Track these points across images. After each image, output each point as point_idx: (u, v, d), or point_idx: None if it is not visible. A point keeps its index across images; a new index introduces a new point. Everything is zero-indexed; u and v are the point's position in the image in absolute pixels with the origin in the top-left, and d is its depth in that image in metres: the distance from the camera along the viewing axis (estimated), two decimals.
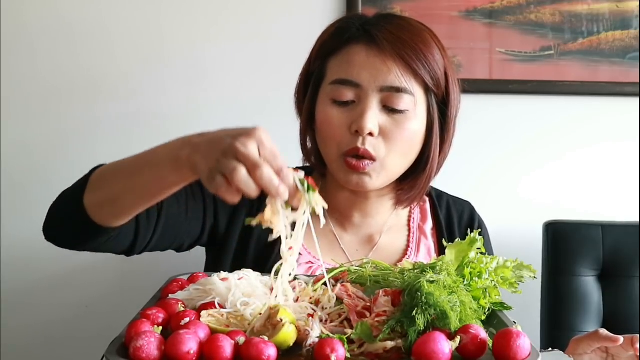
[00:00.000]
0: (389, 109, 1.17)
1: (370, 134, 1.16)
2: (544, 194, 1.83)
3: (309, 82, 1.25)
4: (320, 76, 1.23)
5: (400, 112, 1.17)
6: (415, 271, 0.92)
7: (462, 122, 1.80)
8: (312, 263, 1.23)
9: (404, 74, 1.16)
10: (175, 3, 1.79)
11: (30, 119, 1.79)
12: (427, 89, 1.19)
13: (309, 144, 1.28)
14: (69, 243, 1.08)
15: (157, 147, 0.95)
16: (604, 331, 1.13)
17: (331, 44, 1.21)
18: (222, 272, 0.99)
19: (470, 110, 1.80)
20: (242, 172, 0.81)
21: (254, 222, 0.87)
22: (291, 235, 0.90)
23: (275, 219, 0.87)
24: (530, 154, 1.83)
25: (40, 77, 1.79)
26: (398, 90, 1.16)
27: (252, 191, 0.82)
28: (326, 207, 0.90)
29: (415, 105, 1.17)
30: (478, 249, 0.96)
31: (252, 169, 0.81)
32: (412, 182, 1.25)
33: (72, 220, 1.03)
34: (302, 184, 0.87)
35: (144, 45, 1.79)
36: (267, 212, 0.87)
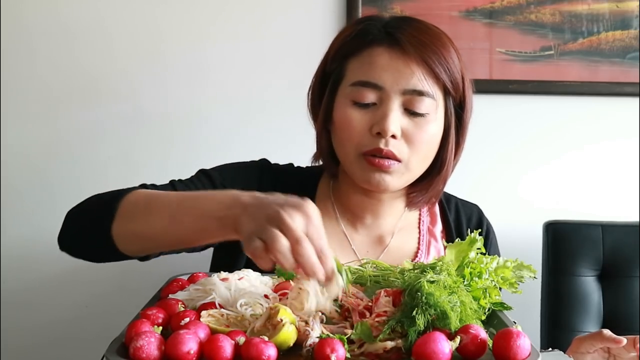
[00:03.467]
0: (411, 112, 1.16)
1: (393, 136, 1.15)
2: (544, 194, 1.83)
3: (326, 83, 1.24)
4: (339, 77, 1.21)
5: (422, 115, 1.16)
6: (416, 271, 0.92)
7: None
8: None
9: (426, 78, 1.16)
10: (174, 3, 1.79)
11: (30, 120, 1.79)
12: (446, 93, 1.19)
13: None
14: (86, 258, 1.08)
15: (206, 196, 0.94)
16: (607, 332, 1.13)
17: (352, 45, 1.20)
18: (222, 272, 0.99)
19: None
20: (282, 243, 0.80)
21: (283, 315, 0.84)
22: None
23: (302, 298, 0.85)
24: (531, 154, 1.83)
25: (40, 78, 1.79)
26: (420, 93, 1.15)
27: (289, 265, 0.80)
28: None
29: (435, 108, 1.17)
30: (478, 249, 0.96)
31: (294, 243, 0.80)
32: (426, 185, 1.25)
33: (95, 243, 1.02)
34: (340, 271, 0.84)
35: (143, 45, 1.79)
36: (294, 291, 0.85)
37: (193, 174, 1.27)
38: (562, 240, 1.66)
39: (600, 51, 1.79)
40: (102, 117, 1.80)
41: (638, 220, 1.70)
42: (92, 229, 1.02)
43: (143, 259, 1.11)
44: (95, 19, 1.78)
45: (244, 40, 1.79)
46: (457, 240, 0.98)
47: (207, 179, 1.23)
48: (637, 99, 1.79)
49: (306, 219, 0.82)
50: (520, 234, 1.76)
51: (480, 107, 1.80)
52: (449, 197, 1.39)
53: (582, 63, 1.79)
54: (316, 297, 0.84)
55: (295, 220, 0.81)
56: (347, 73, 1.20)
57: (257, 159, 1.34)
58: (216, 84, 1.80)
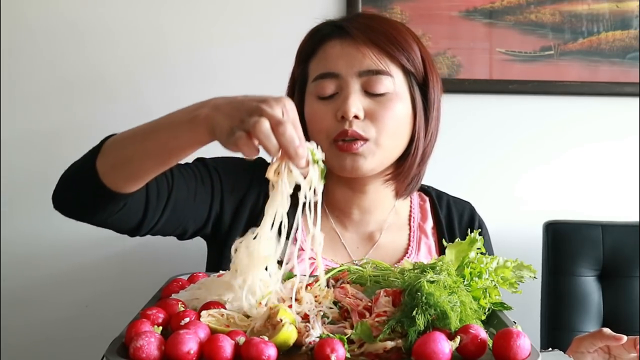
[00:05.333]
0: (371, 93, 1.20)
1: (356, 117, 1.18)
2: (544, 194, 1.83)
3: (295, 88, 1.29)
4: (304, 79, 1.27)
5: (382, 94, 1.20)
6: (416, 271, 0.92)
7: (463, 122, 1.81)
8: (315, 259, 1.23)
9: (378, 57, 1.20)
10: (178, 3, 1.79)
11: (32, 118, 1.80)
12: (405, 71, 1.22)
13: None
14: (78, 211, 1.07)
15: (174, 111, 0.95)
16: (607, 330, 1.14)
17: (308, 47, 1.26)
18: (221, 272, 0.99)
19: (470, 110, 1.82)
20: (265, 124, 0.81)
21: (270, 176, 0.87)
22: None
23: (288, 178, 0.86)
24: (530, 154, 1.83)
25: (42, 77, 1.79)
26: (376, 72, 1.19)
27: (273, 146, 0.81)
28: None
29: (394, 85, 1.20)
30: (478, 249, 0.95)
31: (276, 125, 0.81)
32: (403, 167, 1.26)
33: (83, 186, 1.01)
34: (314, 157, 0.87)
35: (146, 45, 1.79)
36: (273, 167, 0.86)
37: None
38: (562, 240, 1.66)
39: (600, 51, 1.79)
40: (104, 116, 1.80)
41: (638, 220, 1.70)
42: (79, 173, 1.03)
43: (136, 230, 1.11)
44: (98, 18, 1.78)
45: (245, 41, 1.79)
46: (457, 240, 0.98)
47: (201, 162, 1.26)
48: (637, 99, 1.79)
49: (284, 110, 0.83)
50: (520, 234, 1.76)
51: (480, 107, 1.83)
52: (440, 195, 1.40)
53: (582, 63, 1.79)
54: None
55: (274, 109, 0.82)
56: (310, 73, 1.26)
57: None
58: (220, 84, 1.80)
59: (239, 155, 1.30)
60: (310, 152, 0.86)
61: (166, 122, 0.95)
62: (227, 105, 0.86)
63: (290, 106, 0.85)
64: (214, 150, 1.84)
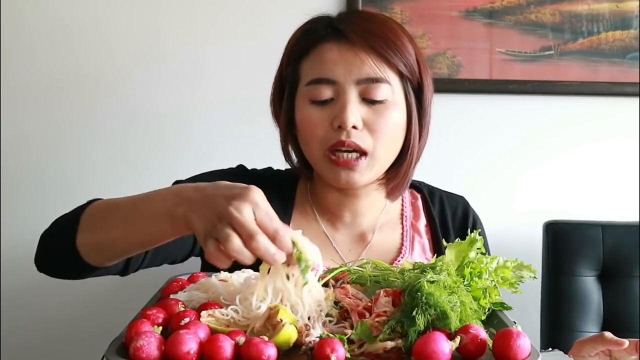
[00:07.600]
0: (369, 101, 1.17)
1: (354, 127, 1.16)
2: (544, 193, 1.83)
3: (284, 88, 1.25)
4: (295, 80, 1.22)
5: (380, 102, 1.17)
6: (416, 271, 0.92)
7: (462, 122, 1.81)
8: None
9: (377, 64, 1.16)
10: (173, 3, 1.79)
11: (30, 119, 1.80)
12: (401, 77, 1.20)
13: (290, 150, 1.28)
14: (62, 276, 1.10)
15: (152, 197, 0.93)
16: (609, 334, 1.13)
17: (301, 47, 1.22)
18: (222, 272, 0.99)
19: (470, 110, 1.82)
20: (235, 241, 0.79)
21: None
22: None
23: (275, 279, 0.86)
24: (531, 154, 1.83)
25: (38, 77, 1.79)
26: (374, 80, 1.16)
27: (247, 259, 0.81)
28: (319, 261, 0.88)
29: (392, 93, 1.18)
30: (478, 249, 0.95)
31: (247, 239, 0.80)
32: (395, 171, 1.25)
33: (64, 259, 1.03)
34: (300, 257, 0.85)
35: (142, 45, 1.79)
36: (261, 280, 0.85)
37: (190, 176, 1.27)
38: (562, 240, 1.66)
39: (600, 51, 1.79)
40: (101, 117, 1.80)
41: (638, 220, 1.70)
42: (60, 246, 1.03)
43: (122, 273, 1.13)
44: (95, 19, 1.78)
45: (242, 41, 1.79)
46: (456, 240, 0.98)
47: None
48: (637, 99, 1.79)
49: (254, 207, 0.81)
50: (520, 234, 1.76)
51: (480, 107, 1.83)
52: (432, 191, 1.38)
53: (582, 63, 1.79)
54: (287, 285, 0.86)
55: (243, 214, 0.80)
56: (302, 74, 1.21)
57: (256, 161, 1.34)
58: (214, 85, 1.80)
59: (219, 167, 1.30)
60: (297, 256, 0.85)
61: (145, 211, 0.92)
62: (199, 203, 0.84)
63: (260, 198, 0.82)
64: (211, 153, 1.84)
